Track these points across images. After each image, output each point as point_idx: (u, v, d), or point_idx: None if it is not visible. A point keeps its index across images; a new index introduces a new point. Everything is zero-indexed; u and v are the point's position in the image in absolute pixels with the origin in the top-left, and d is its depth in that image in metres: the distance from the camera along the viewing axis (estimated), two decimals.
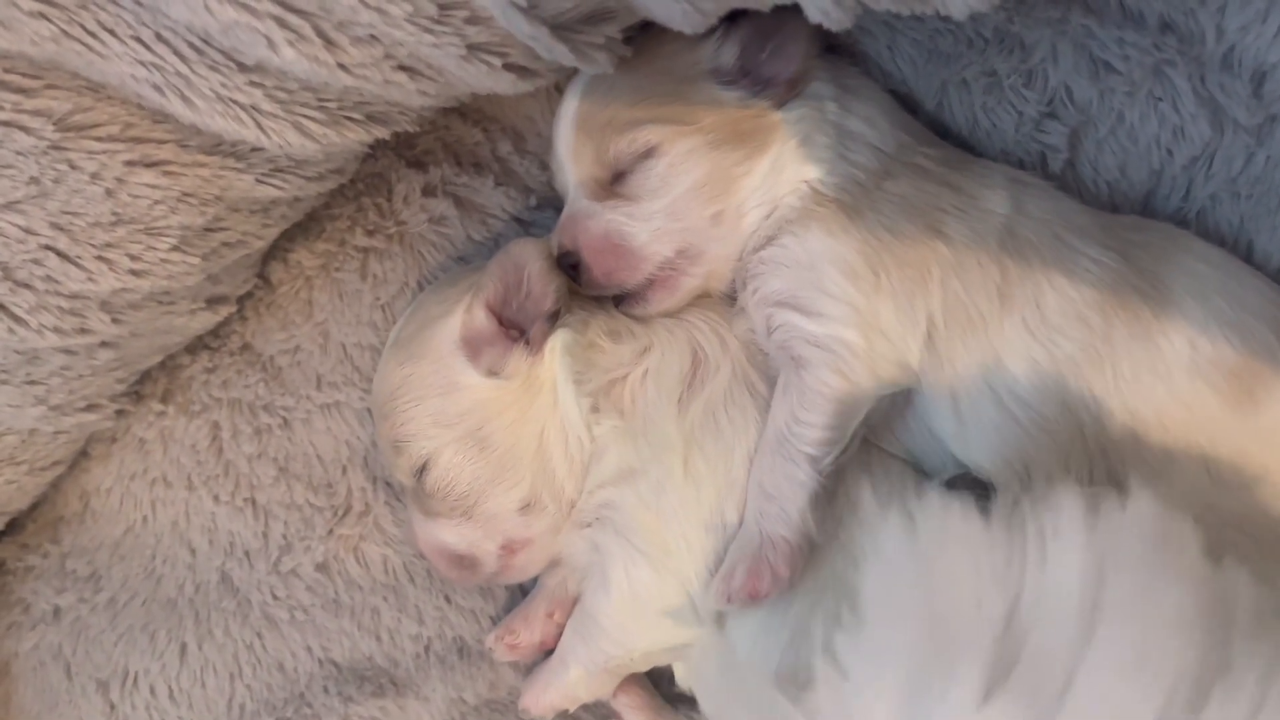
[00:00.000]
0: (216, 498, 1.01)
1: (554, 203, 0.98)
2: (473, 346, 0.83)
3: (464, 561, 0.87)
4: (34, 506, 1.08)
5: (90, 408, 0.96)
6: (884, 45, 0.86)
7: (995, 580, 0.58)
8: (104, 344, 0.88)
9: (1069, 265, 0.77)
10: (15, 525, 1.08)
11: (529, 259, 0.83)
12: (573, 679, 0.88)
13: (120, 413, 1.01)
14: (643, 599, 0.82)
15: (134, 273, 0.81)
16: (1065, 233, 0.79)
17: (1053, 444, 0.76)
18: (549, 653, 0.92)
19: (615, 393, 0.84)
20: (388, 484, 0.99)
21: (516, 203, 0.98)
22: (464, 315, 0.83)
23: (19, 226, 0.76)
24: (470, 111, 0.99)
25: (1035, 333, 0.76)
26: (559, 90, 0.95)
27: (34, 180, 0.75)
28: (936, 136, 0.86)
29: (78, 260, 0.79)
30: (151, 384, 1.02)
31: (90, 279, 0.80)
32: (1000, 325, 0.77)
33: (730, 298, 0.86)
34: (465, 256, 0.97)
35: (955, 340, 0.78)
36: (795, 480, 0.77)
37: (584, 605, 0.87)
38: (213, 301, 0.93)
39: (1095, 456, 0.76)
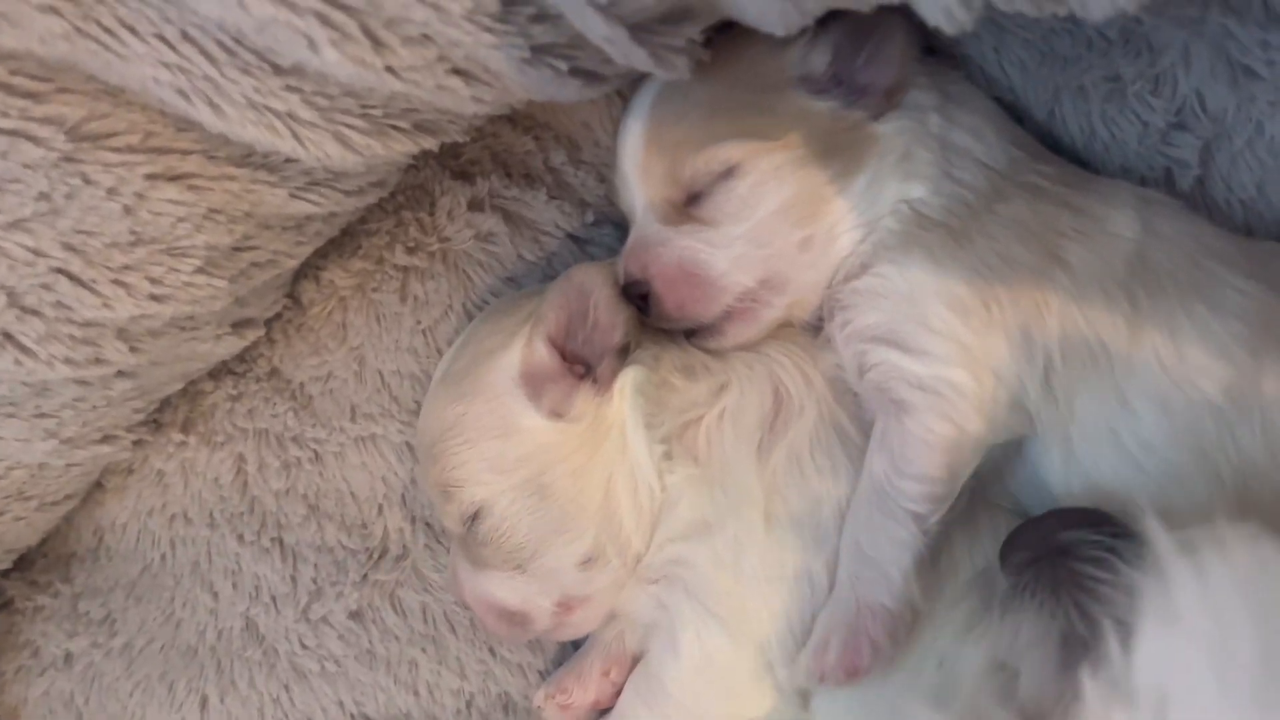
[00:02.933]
0: (241, 537, 0.93)
1: (612, 218, 0.90)
2: (534, 384, 0.74)
3: (515, 618, 0.78)
4: (44, 540, 1.00)
5: (105, 439, 0.88)
6: (990, 47, 0.77)
7: None
8: (120, 374, 0.80)
9: (1211, 295, 0.69)
10: (24, 560, 1.00)
11: (594, 287, 0.74)
12: None
13: (138, 443, 0.93)
14: (716, 667, 0.74)
15: (154, 298, 0.73)
16: (1204, 258, 0.70)
17: (1184, 497, 0.67)
18: (603, 713, 0.84)
19: (689, 436, 0.76)
20: (428, 524, 0.91)
21: (572, 218, 0.89)
22: (524, 350, 0.75)
23: (27, 248, 0.68)
24: (521, 118, 0.90)
25: (1170, 371, 0.68)
26: (620, 95, 0.87)
27: (43, 196, 0.67)
28: (1048, 151, 0.77)
29: (92, 285, 0.71)
30: (171, 412, 0.94)
31: (106, 305, 0.72)
32: (1128, 363, 0.68)
33: (814, 327, 0.78)
34: (516, 277, 0.89)
35: (1075, 381, 0.69)
36: (897, 540, 0.68)
37: (649, 668, 0.78)
38: (239, 325, 0.85)
39: (1235, 515, 0.67)
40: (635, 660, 0.84)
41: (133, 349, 0.76)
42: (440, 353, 0.89)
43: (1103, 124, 0.76)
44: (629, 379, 0.75)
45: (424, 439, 0.79)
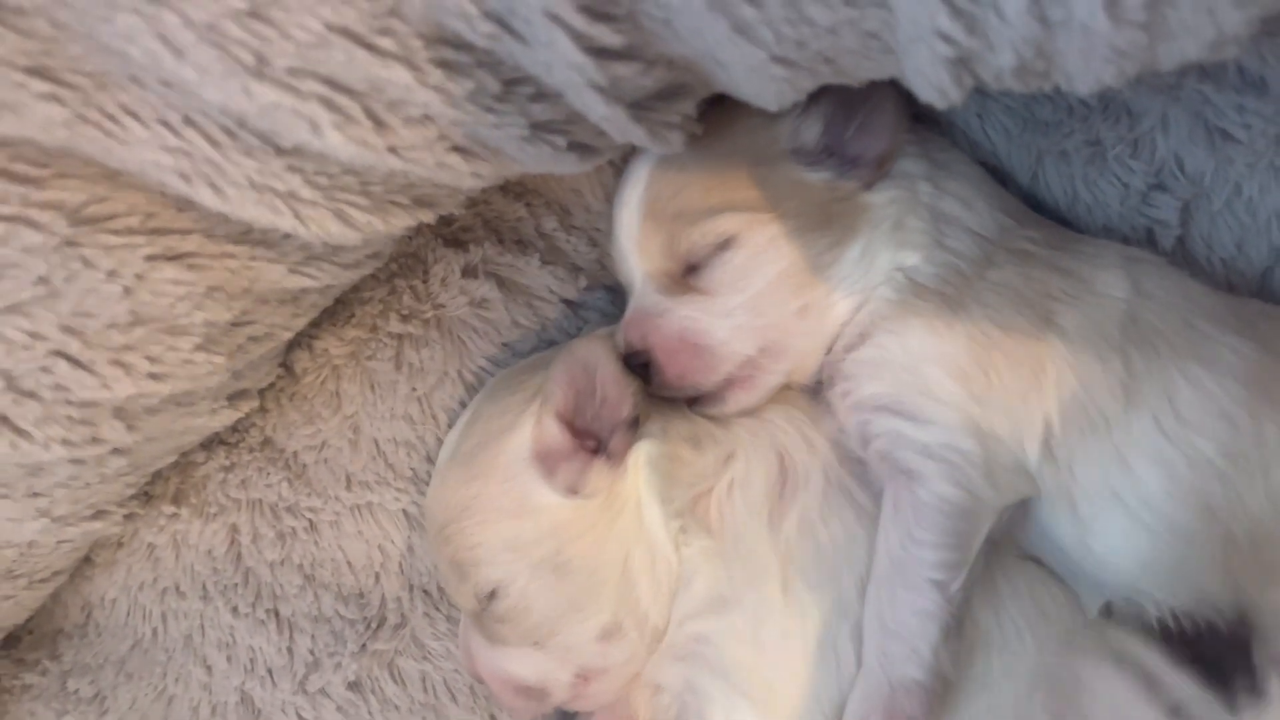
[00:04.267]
0: (235, 609, 0.92)
1: (604, 283, 0.90)
2: (547, 462, 0.74)
3: (532, 693, 0.78)
4: (31, 618, 0.98)
5: (97, 515, 0.87)
6: (973, 114, 0.79)
7: None
8: (116, 451, 0.79)
9: (1205, 355, 0.70)
10: (10, 639, 0.99)
11: (599, 361, 0.74)
12: None
13: (128, 517, 0.92)
14: None
15: (153, 376, 0.73)
16: (1195, 318, 0.71)
17: (1197, 556, 0.68)
18: None
19: (701, 509, 0.76)
20: (425, 592, 0.91)
21: (565, 283, 0.90)
22: (534, 429, 0.74)
23: (25, 331, 0.68)
24: (512, 185, 0.91)
25: (1169, 433, 0.69)
26: (612, 163, 0.88)
27: (43, 280, 0.66)
28: (1035, 214, 0.79)
29: (90, 366, 0.70)
30: (162, 484, 0.94)
31: (104, 386, 0.71)
32: (1126, 425, 0.69)
33: (813, 389, 0.78)
34: (511, 343, 0.89)
35: (1074, 445, 0.70)
36: (922, 612, 0.69)
37: None
38: (234, 398, 0.85)
39: (1252, 572, 0.68)
40: None
41: (129, 427, 0.76)
42: (436, 420, 0.90)
43: (1085, 187, 0.78)
44: (643, 453, 0.75)
45: (435, 520, 0.78)
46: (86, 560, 0.95)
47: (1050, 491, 0.71)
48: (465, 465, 0.77)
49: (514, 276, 0.90)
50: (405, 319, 0.90)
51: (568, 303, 0.90)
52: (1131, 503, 0.69)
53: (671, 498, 0.75)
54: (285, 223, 0.69)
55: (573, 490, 0.74)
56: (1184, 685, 0.73)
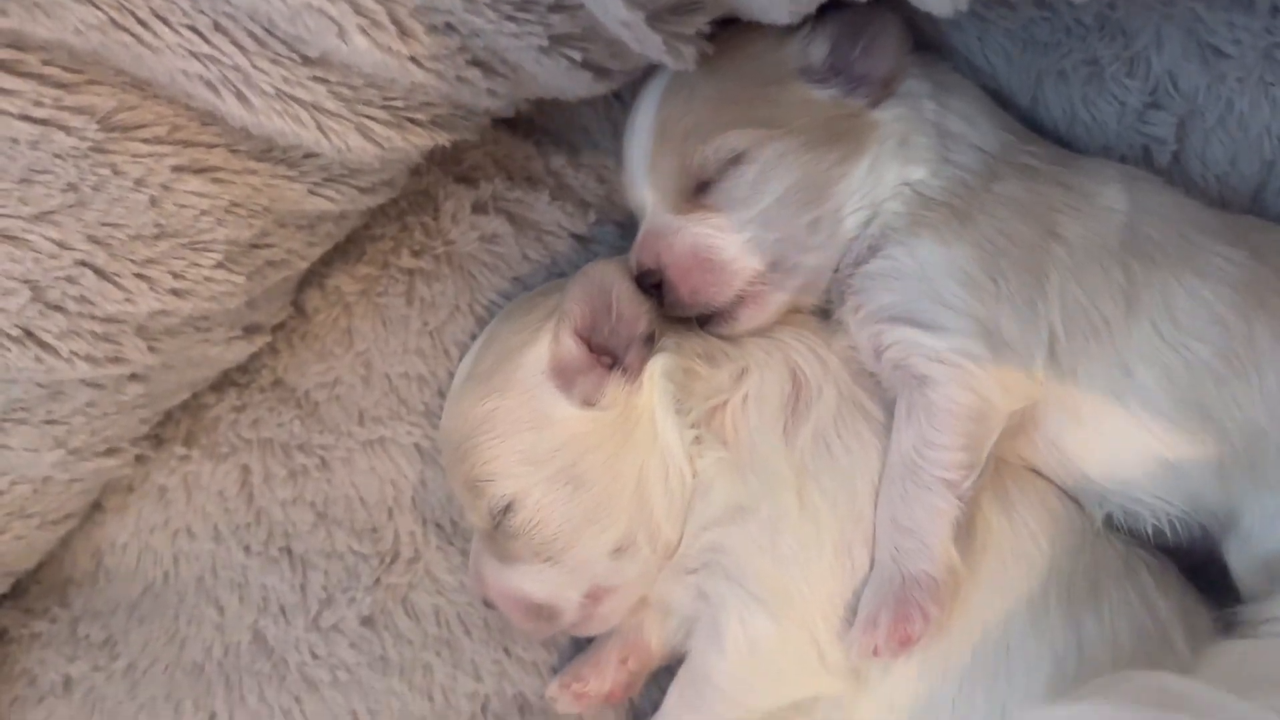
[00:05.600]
0: (247, 548, 0.93)
1: (614, 218, 0.92)
2: (564, 376, 0.75)
3: (543, 611, 0.78)
4: (38, 568, 0.98)
5: (110, 451, 0.87)
6: (974, 37, 0.81)
7: None
8: (134, 376, 0.80)
9: (1199, 264, 0.72)
10: (18, 589, 0.98)
11: (614, 280, 0.76)
12: None
13: (139, 459, 0.92)
14: (763, 652, 0.74)
15: (175, 292, 0.73)
16: (1190, 230, 0.74)
17: (1193, 458, 0.71)
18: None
19: (716, 421, 0.77)
20: (439, 526, 0.91)
21: (574, 218, 0.91)
22: (551, 344, 0.76)
23: (53, 240, 0.69)
24: (521, 123, 0.93)
25: (1167, 338, 0.71)
26: (618, 98, 0.90)
27: (71, 187, 0.67)
28: (1036, 134, 0.81)
29: (115, 278, 0.71)
30: (173, 427, 0.94)
31: (128, 299, 0.72)
32: (1127, 332, 0.72)
33: (822, 312, 0.80)
34: (522, 277, 0.90)
35: (1078, 351, 0.72)
36: (934, 509, 0.70)
37: (692, 666, 0.78)
38: (249, 331, 0.86)
39: (1244, 473, 0.71)
40: (654, 649, 0.85)
41: (150, 348, 0.76)
42: (448, 354, 0.91)
43: (1083, 106, 0.80)
44: (658, 365, 0.76)
45: (451, 438, 0.79)
46: (97, 506, 0.95)
47: (1056, 398, 0.73)
48: (482, 382, 0.78)
49: (524, 212, 0.92)
50: (416, 254, 0.91)
51: (577, 237, 0.91)
52: (1133, 406, 0.72)
53: (686, 409, 0.77)
54: (309, 135, 0.71)
55: (589, 402, 0.75)
56: (1185, 592, 0.75)
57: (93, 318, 0.72)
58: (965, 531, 0.72)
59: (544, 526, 0.76)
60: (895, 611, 0.69)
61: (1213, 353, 0.71)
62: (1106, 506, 0.75)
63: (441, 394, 0.90)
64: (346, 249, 0.91)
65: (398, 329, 0.91)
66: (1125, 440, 0.72)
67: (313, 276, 0.92)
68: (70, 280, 0.70)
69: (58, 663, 0.95)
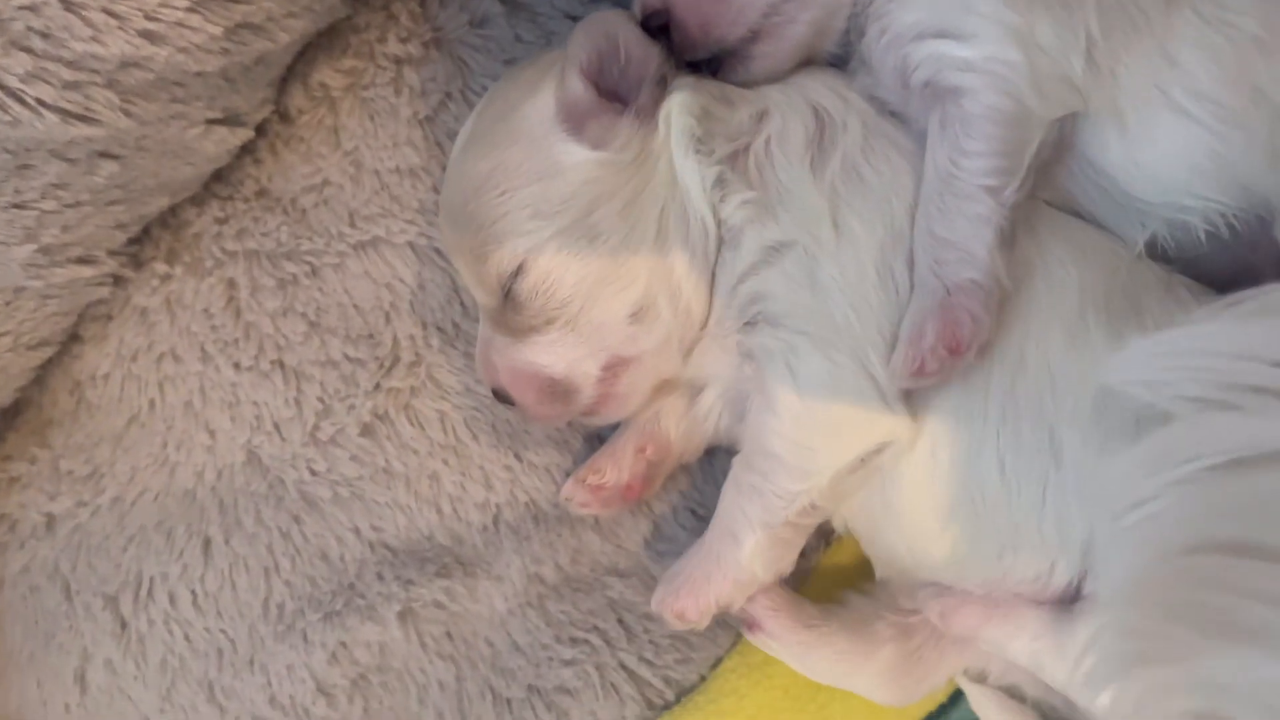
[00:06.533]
0: (237, 365, 0.87)
1: None
2: (574, 120, 0.71)
3: (558, 389, 0.73)
4: (15, 415, 0.92)
5: (84, 259, 0.82)
6: None
7: None
8: (105, 154, 0.75)
9: None
10: None
11: (618, 24, 0.72)
12: (748, 553, 0.71)
13: (118, 282, 0.87)
14: (817, 396, 0.68)
15: (146, 35, 0.68)
16: None
17: (1245, 143, 0.67)
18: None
19: (740, 164, 0.72)
20: (440, 329, 0.86)
21: None
22: (557, 90, 0.71)
23: None
24: None
25: (1208, 18, 0.67)
26: None
27: None
28: None
29: (82, 11, 0.66)
30: (152, 246, 0.89)
31: (96, 38, 0.67)
32: (1167, 21, 0.68)
33: (838, 60, 0.76)
34: (515, 59, 0.85)
35: (1118, 48, 0.68)
36: (975, 216, 0.66)
37: (747, 449, 0.72)
38: (229, 116, 0.81)
39: None
40: (672, 439, 0.80)
41: (123, 107, 0.71)
42: (440, 145, 0.86)
43: None
44: (675, 102, 0.72)
45: (452, 204, 0.74)
46: (75, 338, 0.90)
47: (1096, 105, 0.69)
48: (483, 140, 0.73)
49: None
50: (404, 41, 0.86)
51: (571, 17, 0.87)
52: (1179, 97, 0.68)
53: (709, 150, 0.72)
54: None
55: (601, 145, 0.71)
56: None
57: (60, 60, 0.67)
58: (1010, 241, 0.67)
59: (558, 288, 0.71)
60: (941, 318, 0.65)
61: (1258, 25, 0.67)
62: (1150, 225, 0.71)
63: (435, 189, 0.86)
64: (330, 42, 0.87)
65: (386, 121, 0.86)
66: (1172, 137, 0.68)
67: (295, 76, 0.87)
68: (33, 10, 0.65)
69: (40, 501, 0.90)
